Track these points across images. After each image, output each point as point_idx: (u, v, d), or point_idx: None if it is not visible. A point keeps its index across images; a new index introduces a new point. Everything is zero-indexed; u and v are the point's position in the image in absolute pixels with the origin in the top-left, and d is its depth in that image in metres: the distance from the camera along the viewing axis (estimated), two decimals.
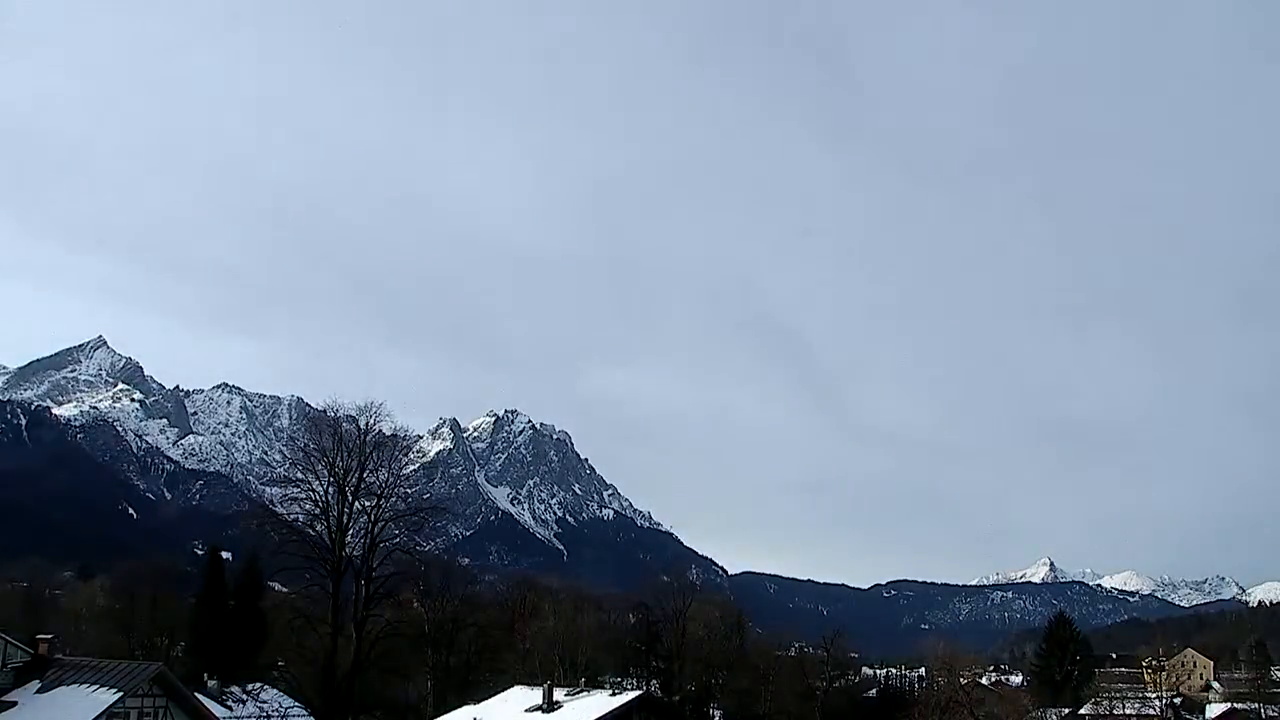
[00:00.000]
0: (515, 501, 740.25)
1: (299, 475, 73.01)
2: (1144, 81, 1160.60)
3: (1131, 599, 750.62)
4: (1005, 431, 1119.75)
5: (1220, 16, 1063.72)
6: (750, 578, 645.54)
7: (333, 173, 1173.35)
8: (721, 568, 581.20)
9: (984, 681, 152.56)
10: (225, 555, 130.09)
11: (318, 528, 68.30)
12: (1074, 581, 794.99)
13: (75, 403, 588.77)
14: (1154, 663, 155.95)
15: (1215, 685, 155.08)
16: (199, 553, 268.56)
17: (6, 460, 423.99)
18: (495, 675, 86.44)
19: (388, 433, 71.72)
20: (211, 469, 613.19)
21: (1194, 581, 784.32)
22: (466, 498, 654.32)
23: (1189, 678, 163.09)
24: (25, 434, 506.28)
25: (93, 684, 43.76)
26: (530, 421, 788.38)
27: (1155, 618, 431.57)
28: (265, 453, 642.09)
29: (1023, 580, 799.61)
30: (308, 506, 69.69)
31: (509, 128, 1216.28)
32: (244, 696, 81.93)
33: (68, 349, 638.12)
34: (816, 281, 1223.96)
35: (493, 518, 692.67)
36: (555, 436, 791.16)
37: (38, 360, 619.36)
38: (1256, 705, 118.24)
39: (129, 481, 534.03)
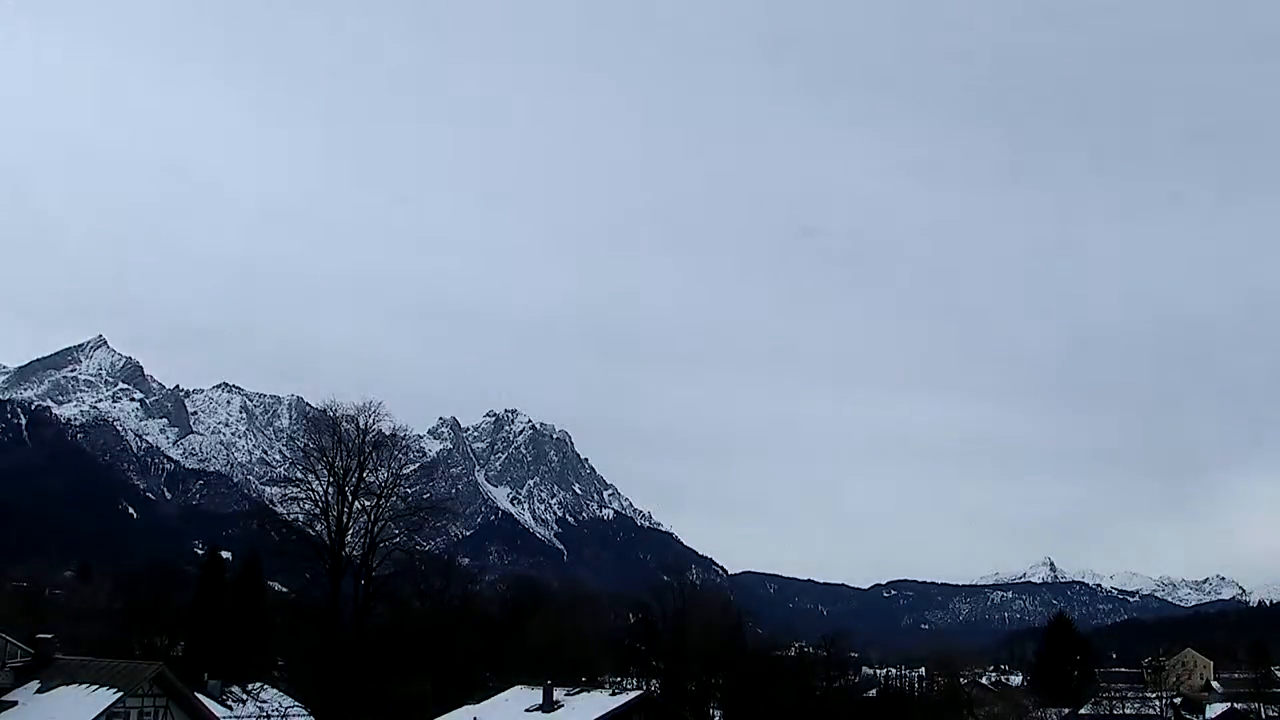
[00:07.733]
0: (515, 501, 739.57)
1: (299, 475, 73.49)
2: None
3: (1131, 599, 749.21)
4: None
5: None
6: (750, 578, 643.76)
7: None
8: (721, 568, 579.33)
9: (984, 681, 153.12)
10: (225, 555, 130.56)
11: (317, 527, 68.49)
12: (1074, 581, 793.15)
13: (75, 402, 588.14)
14: (1154, 663, 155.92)
15: (1215, 685, 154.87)
16: (199, 552, 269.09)
17: (6, 460, 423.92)
18: (495, 675, 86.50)
19: (387, 432, 71.91)
20: (211, 469, 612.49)
21: (1194, 581, 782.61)
22: (466, 498, 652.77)
23: (1189, 678, 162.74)
24: (25, 434, 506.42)
25: (93, 684, 43.82)
26: (530, 421, 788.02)
27: (1155, 618, 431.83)
28: (265, 452, 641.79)
29: (1023, 580, 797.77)
30: (307, 506, 69.95)
31: None
32: (244, 696, 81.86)
33: (68, 349, 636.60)
34: None
35: (493, 518, 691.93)
36: (555, 436, 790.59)
37: (38, 360, 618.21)
38: (1256, 705, 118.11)
39: (129, 481, 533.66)
